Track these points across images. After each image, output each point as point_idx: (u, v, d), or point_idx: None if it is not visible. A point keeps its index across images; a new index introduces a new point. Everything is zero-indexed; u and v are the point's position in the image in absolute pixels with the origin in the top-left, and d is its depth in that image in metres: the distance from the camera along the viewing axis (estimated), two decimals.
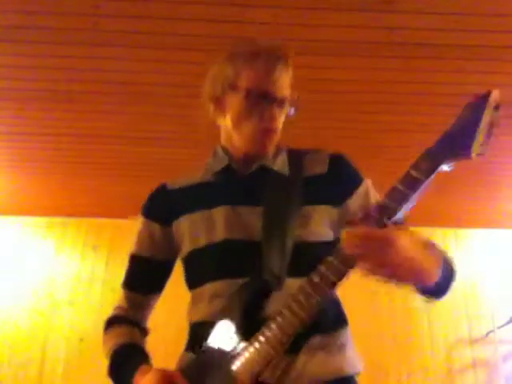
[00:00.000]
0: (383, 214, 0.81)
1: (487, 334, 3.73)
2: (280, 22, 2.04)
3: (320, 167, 1.11)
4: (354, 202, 1.09)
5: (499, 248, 4.06)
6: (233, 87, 1.07)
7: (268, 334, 0.86)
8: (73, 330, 3.63)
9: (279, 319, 0.86)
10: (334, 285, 0.85)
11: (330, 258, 0.84)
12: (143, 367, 0.96)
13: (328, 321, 1.00)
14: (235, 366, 0.88)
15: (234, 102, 1.08)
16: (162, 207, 1.14)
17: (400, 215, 0.83)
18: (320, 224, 1.05)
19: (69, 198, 3.62)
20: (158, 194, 1.18)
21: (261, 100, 1.04)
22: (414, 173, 0.83)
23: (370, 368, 4.10)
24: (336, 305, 1.07)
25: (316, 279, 0.85)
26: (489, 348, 3.72)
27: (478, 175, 3.25)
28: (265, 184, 1.08)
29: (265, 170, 1.11)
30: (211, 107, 1.16)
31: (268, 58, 1.05)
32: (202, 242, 1.05)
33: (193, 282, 1.09)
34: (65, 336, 3.63)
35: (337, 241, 0.97)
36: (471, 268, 3.99)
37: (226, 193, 1.09)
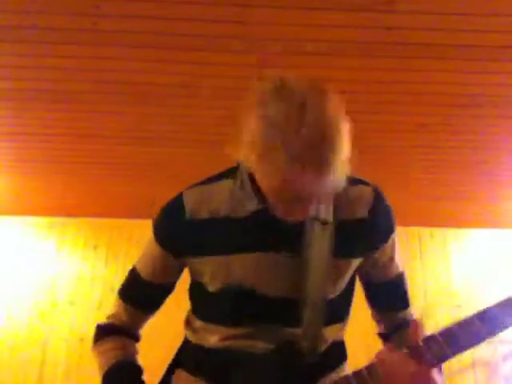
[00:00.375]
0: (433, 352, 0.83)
1: None
2: (280, 22, 2.04)
3: (361, 210, 0.98)
4: (377, 255, 1.03)
5: (499, 248, 4.06)
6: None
7: None
8: (73, 329, 3.63)
9: None
10: None
11: (364, 372, 0.86)
12: None
13: (333, 360, 1.02)
14: None
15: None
16: (180, 240, 0.99)
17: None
18: (348, 278, 1.00)
19: (69, 198, 3.62)
20: (175, 221, 0.99)
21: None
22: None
23: None
24: (342, 345, 1.10)
25: None
26: (489, 348, 3.71)
27: (478, 175, 3.25)
28: (304, 231, 0.95)
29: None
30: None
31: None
32: (222, 287, 0.97)
33: (209, 317, 1.03)
34: (65, 336, 3.63)
35: (347, 292, 1.00)
36: (471, 268, 3.99)
37: (261, 237, 0.94)
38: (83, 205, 3.73)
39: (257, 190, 0.90)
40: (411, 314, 1.11)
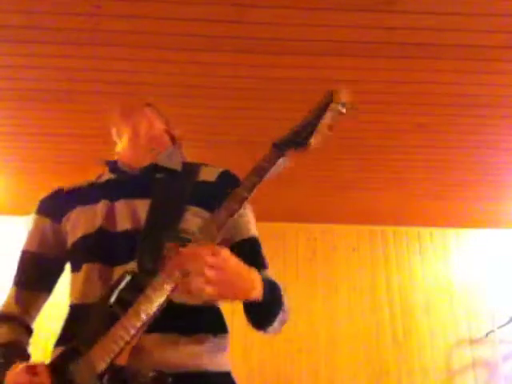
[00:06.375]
0: (236, 200, 0.93)
1: (487, 334, 3.73)
2: (280, 22, 2.04)
3: (210, 176, 1.17)
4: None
5: (499, 248, 4.06)
6: None
7: (123, 320, 0.89)
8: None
9: (135, 307, 0.89)
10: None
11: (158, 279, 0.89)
12: (16, 365, 0.98)
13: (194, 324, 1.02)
14: (93, 352, 0.90)
15: None
16: (55, 205, 1.19)
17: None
18: (191, 224, 1.07)
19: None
20: (52, 195, 1.23)
21: None
22: (263, 163, 0.98)
23: (370, 368, 4.12)
24: (212, 313, 1.08)
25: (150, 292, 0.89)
26: (489, 348, 3.72)
27: (479, 175, 3.25)
28: (155, 179, 1.16)
29: (156, 167, 1.18)
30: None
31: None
32: (81, 232, 1.09)
33: (72, 268, 1.12)
34: None
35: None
36: (471, 268, 3.99)
37: (111, 189, 1.15)
38: None
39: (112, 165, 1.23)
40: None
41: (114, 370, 0.88)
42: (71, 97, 2.52)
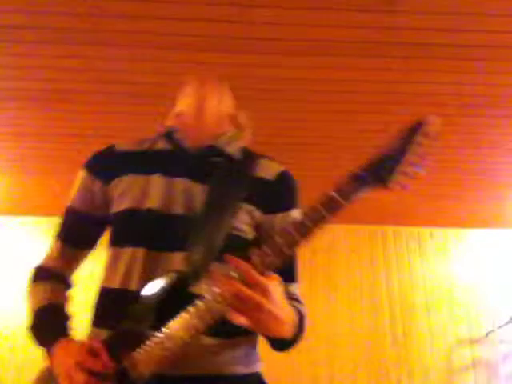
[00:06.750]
0: (299, 232, 0.84)
1: (487, 334, 3.73)
2: (280, 22, 2.05)
3: (269, 174, 1.13)
4: (278, 221, 1.09)
5: (499, 248, 4.06)
6: None
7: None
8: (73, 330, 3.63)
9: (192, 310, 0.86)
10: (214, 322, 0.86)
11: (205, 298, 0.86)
12: (62, 340, 0.98)
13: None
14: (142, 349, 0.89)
15: None
16: (106, 165, 1.14)
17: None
18: (242, 222, 1.05)
19: (69, 198, 3.62)
20: (104, 153, 1.17)
21: None
22: (336, 195, 0.86)
23: (370, 368, 4.11)
24: None
25: (201, 307, 0.86)
26: (489, 348, 3.72)
27: (479, 175, 3.25)
28: (212, 163, 1.11)
29: (215, 150, 1.13)
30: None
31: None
32: (129, 203, 1.05)
33: (113, 241, 1.09)
34: None
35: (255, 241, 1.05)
36: (471, 268, 3.99)
37: (168, 162, 1.10)
38: None
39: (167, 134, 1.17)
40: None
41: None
42: (71, 97, 2.52)
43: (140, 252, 1.00)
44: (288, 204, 1.12)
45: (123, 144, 1.18)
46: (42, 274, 1.16)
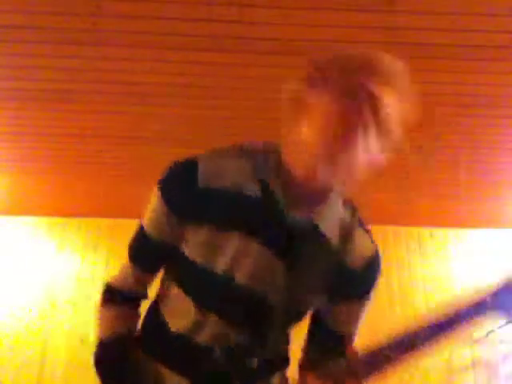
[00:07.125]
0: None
1: (487, 334, 3.73)
2: (280, 22, 2.04)
3: (359, 261, 1.01)
4: (342, 306, 1.07)
5: (499, 248, 4.06)
6: None
7: None
8: (73, 330, 3.63)
9: None
10: None
11: None
12: None
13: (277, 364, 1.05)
14: None
15: None
16: (183, 201, 0.97)
17: None
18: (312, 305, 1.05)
19: (69, 198, 3.62)
20: (183, 182, 0.97)
21: None
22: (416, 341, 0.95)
23: None
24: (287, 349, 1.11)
25: None
26: (489, 348, 3.72)
27: (479, 175, 3.25)
28: (302, 237, 0.95)
29: (310, 227, 0.95)
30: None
31: None
32: (202, 260, 0.97)
33: (183, 287, 1.04)
34: (65, 337, 3.62)
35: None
36: (471, 268, 3.99)
37: (253, 219, 0.93)
38: (83, 205, 3.73)
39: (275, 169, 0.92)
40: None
41: None
42: (71, 97, 2.52)
43: (208, 317, 0.99)
44: (359, 292, 1.06)
45: (207, 171, 0.96)
46: (115, 297, 1.11)
